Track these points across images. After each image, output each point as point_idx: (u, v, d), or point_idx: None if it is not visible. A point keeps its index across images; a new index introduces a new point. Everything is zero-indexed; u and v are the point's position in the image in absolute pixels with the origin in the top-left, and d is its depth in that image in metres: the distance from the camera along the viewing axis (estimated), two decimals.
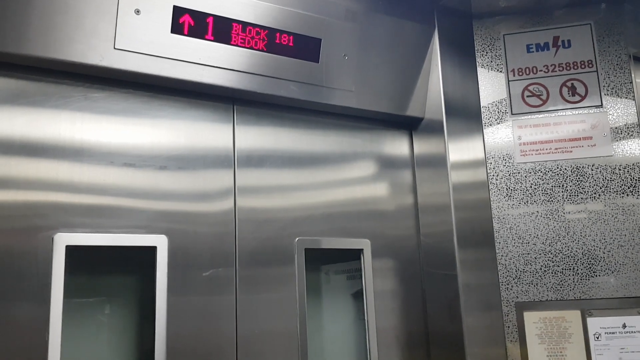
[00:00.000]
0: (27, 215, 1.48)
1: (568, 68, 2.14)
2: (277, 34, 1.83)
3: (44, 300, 1.45)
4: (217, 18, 1.72)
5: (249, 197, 1.83)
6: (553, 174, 2.07)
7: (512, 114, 2.13)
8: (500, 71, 2.17)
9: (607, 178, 2.04)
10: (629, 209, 2.01)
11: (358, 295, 2.03)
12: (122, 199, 1.61)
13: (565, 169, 2.07)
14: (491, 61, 2.18)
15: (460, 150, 2.08)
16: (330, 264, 2.10)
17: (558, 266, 2.01)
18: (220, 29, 1.73)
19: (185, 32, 1.68)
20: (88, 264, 1.61)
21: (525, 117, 2.13)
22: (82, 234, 1.53)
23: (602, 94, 2.10)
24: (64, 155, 1.55)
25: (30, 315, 1.44)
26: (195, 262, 1.69)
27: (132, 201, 1.63)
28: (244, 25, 1.77)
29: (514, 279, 2.02)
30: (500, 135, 2.12)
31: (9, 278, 1.43)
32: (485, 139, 2.12)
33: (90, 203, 1.56)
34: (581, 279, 1.99)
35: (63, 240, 1.49)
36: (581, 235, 2.02)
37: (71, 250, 1.50)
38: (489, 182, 2.09)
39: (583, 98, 2.11)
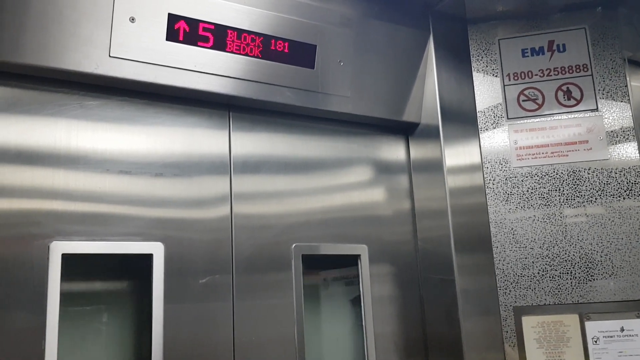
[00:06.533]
0: (23, 223, 1.47)
1: (563, 72, 2.14)
2: (272, 41, 1.83)
3: (40, 308, 1.44)
4: (212, 25, 1.73)
5: (245, 204, 1.83)
6: (549, 178, 2.07)
7: (508, 118, 2.14)
8: (496, 76, 2.17)
9: (603, 182, 2.04)
10: (625, 212, 2.01)
11: (356, 301, 2.02)
12: (118, 207, 1.61)
13: (562, 173, 2.07)
14: (487, 66, 2.18)
15: (457, 155, 2.08)
16: (327, 270, 2.09)
17: (556, 270, 2.00)
18: (216, 36, 1.73)
19: (181, 40, 1.68)
20: (84, 272, 1.61)
21: (521, 121, 2.13)
22: (78, 242, 1.53)
23: (598, 97, 2.10)
24: (60, 163, 1.55)
25: (27, 323, 1.43)
26: (191, 269, 1.68)
27: (128, 208, 1.62)
28: (239, 32, 1.77)
29: (511, 284, 2.01)
30: (496, 139, 2.12)
31: (4, 286, 1.42)
32: (481, 144, 2.12)
33: (86, 211, 1.56)
34: (579, 283, 1.99)
35: (59, 248, 1.49)
36: (578, 239, 2.02)
37: (67, 258, 1.50)
38: (486, 187, 2.09)
39: (578, 102, 2.11)
